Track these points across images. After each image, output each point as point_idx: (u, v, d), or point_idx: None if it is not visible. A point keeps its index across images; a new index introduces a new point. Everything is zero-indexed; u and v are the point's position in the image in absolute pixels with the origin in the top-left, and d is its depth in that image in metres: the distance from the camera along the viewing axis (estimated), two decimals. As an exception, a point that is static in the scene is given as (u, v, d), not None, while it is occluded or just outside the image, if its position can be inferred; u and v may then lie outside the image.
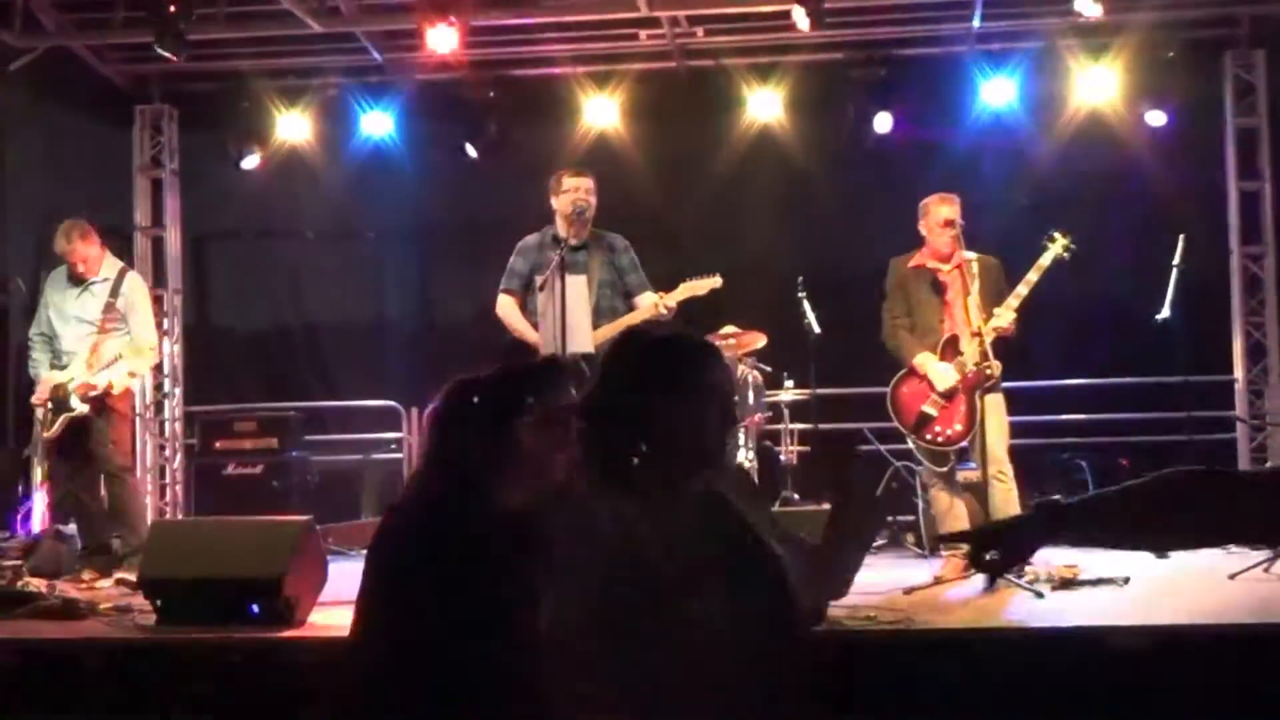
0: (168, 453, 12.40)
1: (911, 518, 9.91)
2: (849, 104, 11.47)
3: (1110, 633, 5.83)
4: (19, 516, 10.77)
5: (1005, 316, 7.65)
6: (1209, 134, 11.34)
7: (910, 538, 9.79)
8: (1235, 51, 11.30)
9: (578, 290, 7.75)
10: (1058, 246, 7.82)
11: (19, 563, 8.69)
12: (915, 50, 11.57)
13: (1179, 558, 7.45)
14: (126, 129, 12.53)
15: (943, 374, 7.76)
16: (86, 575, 8.46)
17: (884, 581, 7.53)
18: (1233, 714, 5.14)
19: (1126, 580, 7.16)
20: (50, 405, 8.73)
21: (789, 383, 9.98)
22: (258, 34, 11.53)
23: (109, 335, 8.80)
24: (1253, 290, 11.18)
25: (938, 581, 7.38)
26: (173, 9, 10.00)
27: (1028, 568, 7.30)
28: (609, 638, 2.89)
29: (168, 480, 12.35)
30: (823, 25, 10.16)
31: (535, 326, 7.98)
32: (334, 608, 6.73)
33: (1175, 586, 7.17)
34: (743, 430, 9.33)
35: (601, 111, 11.85)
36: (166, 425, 12.43)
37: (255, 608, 6.25)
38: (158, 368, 12.20)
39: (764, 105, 11.65)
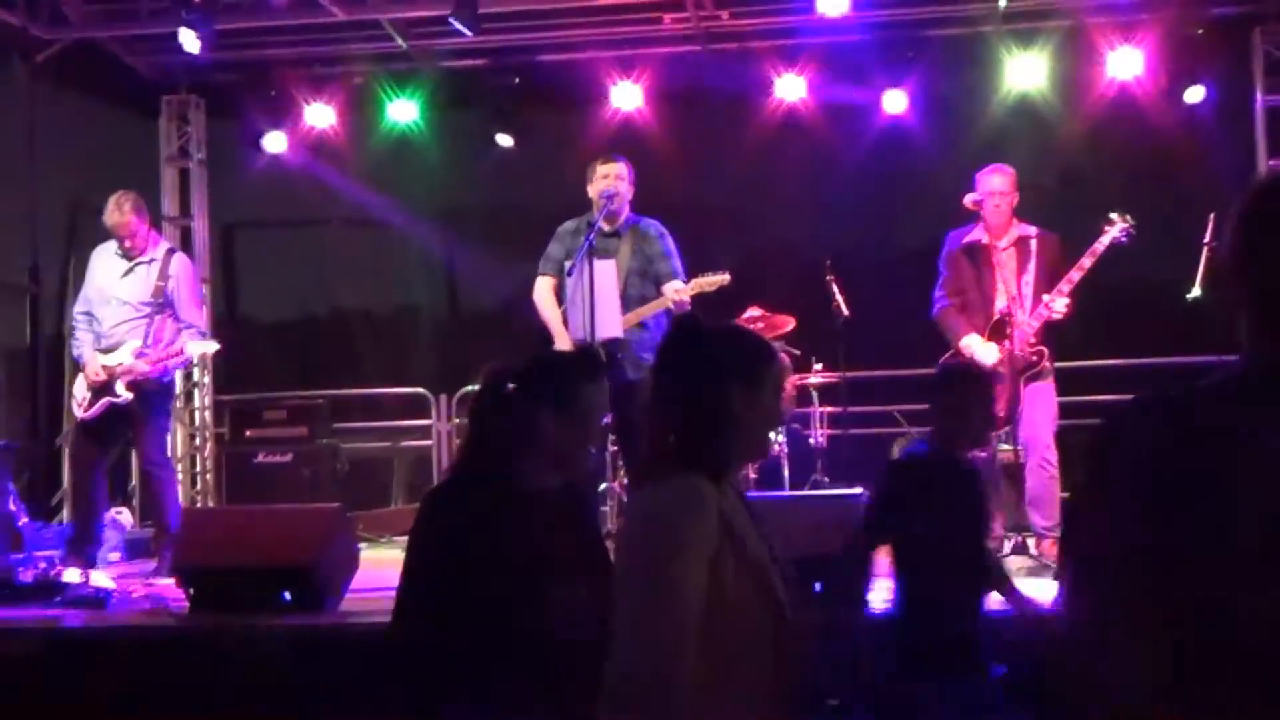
0: (198, 441, 12.45)
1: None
2: (876, 86, 11.43)
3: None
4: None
5: (1058, 303, 7.48)
6: (1238, 111, 11.26)
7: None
8: (1265, 27, 11.21)
9: (606, 275, 7.74)
10: (1115, 230, 7.62)
11: (54, 551, 8.73)
12: (942, 31, 11.51)
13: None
14: (153, 119, 12.57)
15: (986, 354, 7.61)
16: (69, 575, 7.85)
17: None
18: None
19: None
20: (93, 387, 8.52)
21: (818, 365, 9.95)
22: (283, 22, 11.53)
23: (159, 320, 8.63)
24: (1284, 268, 11.08)
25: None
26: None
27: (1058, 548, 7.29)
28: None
29: (198, 469, 12.39)
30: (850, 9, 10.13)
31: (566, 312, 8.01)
32: (365, 594, 6.76)
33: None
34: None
35: (627, 96, 11.82)
36: (197, 414, 12.48)
37: (287, 595, 6.27)
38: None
39: (790, 87, 11.61)
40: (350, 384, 12.24)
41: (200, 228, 12.58)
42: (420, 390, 12.05)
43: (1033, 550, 7.24)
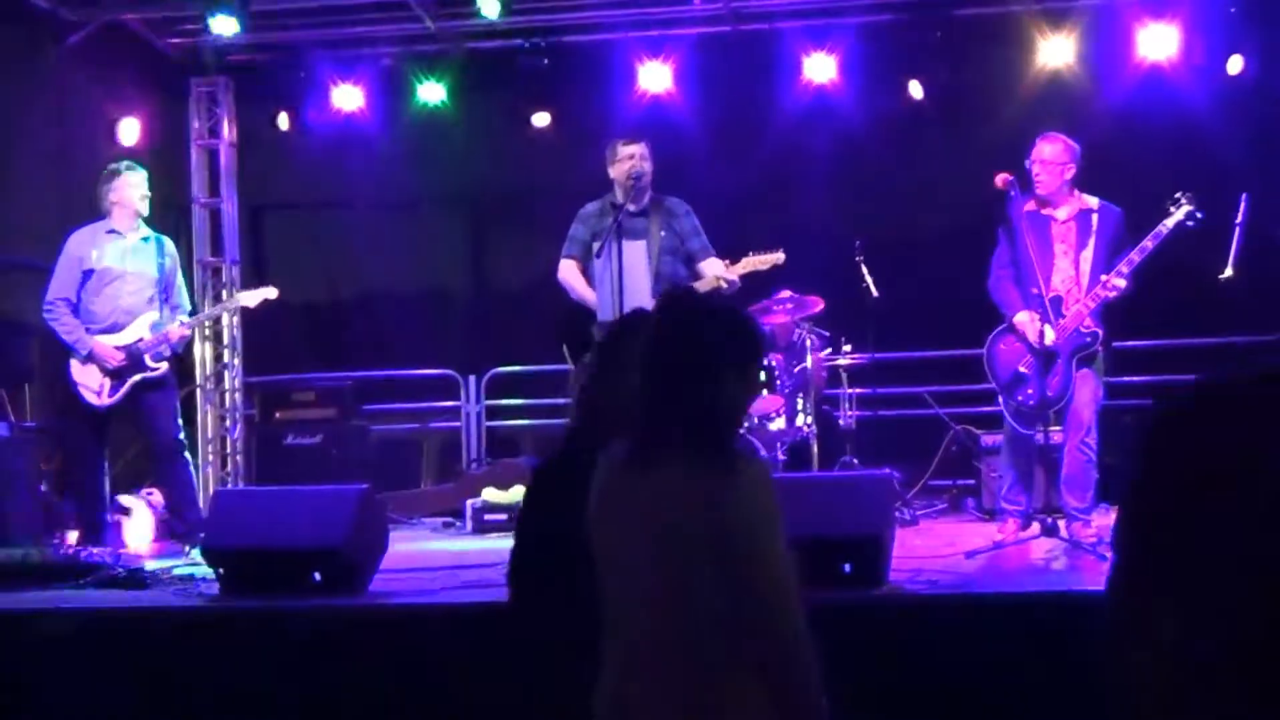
0: (228, 423, 12.48)
1: (971, 482, 9.88)
2: (905, 66, 11.38)
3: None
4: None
5: (1115, 283, 7.32)
6: (1272, 89, 11.17)
7: (971, 501, 9.75)
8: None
9: (636, 256, 7.73)
10: (1181, 213, 7.35)
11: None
12: (972, 10, 11.44)
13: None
14: (182, 101, 12.58)
15: (1040, 334, 7.31)
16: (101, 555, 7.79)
17: (945, 545, 7.51)
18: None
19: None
20: (112, 371, 8.34)
21: (847, 347, 9.93)
22: (311, 4, 11.54)
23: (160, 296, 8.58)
24: (1318, 248, 11.02)
25: (999, 545, 7.31)
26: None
27: (1090, 530, 7.25)
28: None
29: (228, 450, 12.43)
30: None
31: (594, 294, 8.01)
32: (394, 575, 6.78)
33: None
34: (801, 395, 9.29)
35: (655, 77, 11.79)
36: (226, 396, 12.51)
37: (317, 576, 6.28)
38: (218, 338, 12.30)
39: (819, 68, 11.57)
40: (379, 366, 12.25)
41: (229, 209, 12.59)
42: (449, 372, 12.06)
43: (1063, 532, 7.20)
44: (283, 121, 12.19)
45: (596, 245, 7.80)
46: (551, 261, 8.35)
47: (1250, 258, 8.15)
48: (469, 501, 9.64)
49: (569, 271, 8.18)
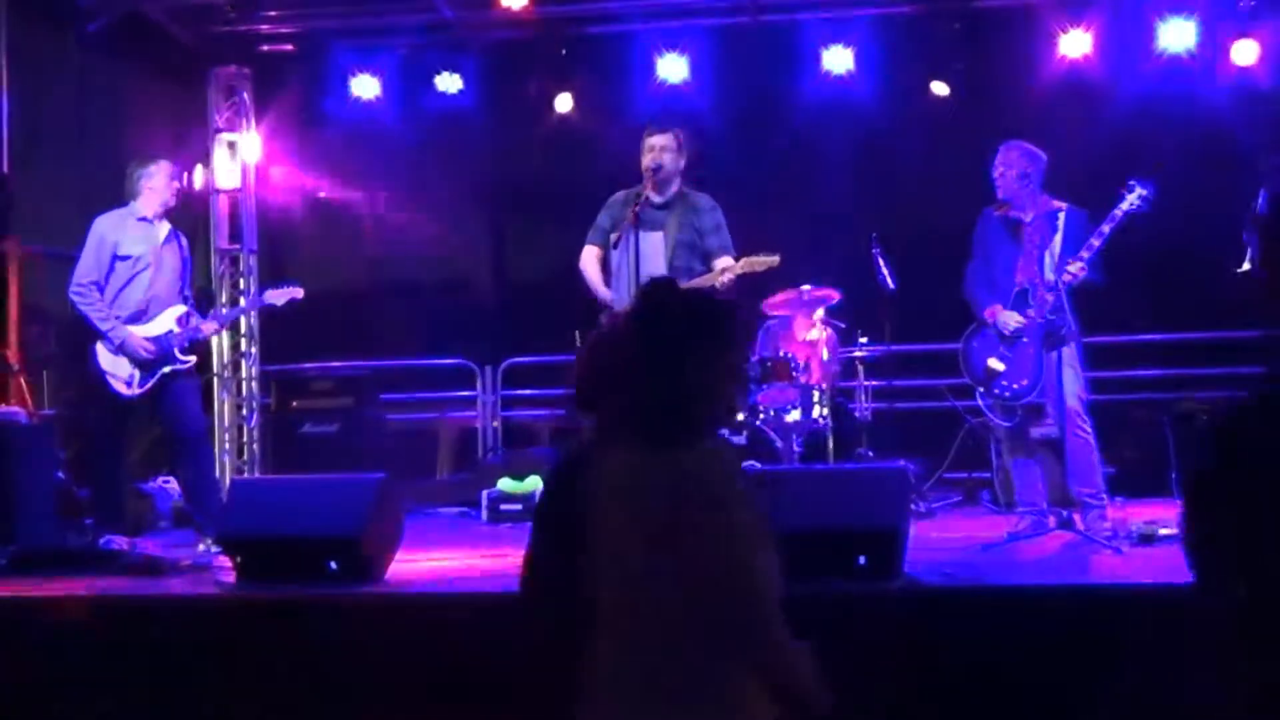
0: (244, 412, 12.52)
1: (987, 474, 9.87)
2: (924, 58, 11.37)
3: (1192, 590, 5.76)
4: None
5: (1073, 266, 7.44)
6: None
7: (986, 494, 9.75)
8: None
9: (652, 246, 7.73)
10: (1133, 196, 7.52)
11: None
12: (991, 2, 11.43)
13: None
14: (202, 91, 12.61)
15: (1006, 321, 7.57)
16: (118, 543, 7.91)
17: (960, 538, 7.51)
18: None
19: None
20: (141, 362, 8.27)
21: (864, 339, 9.92)
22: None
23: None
24: (1336, 241, 10.96)
25: (1013, 538, 7.32)
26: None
27: (1106, 523, 7.27)
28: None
29: (245, 439, 12.47)
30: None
31: (608, 283, 8.01)
32: (411, 564, 6.80)
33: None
34: (817, 388, 9.29)
35: (673, 68, 11.78)
36: (243, 385, 12.55)
37: (334, 565, 6.30)
38: (235, 327, 12.32)
39: (837, 60, 11.55)
40: (396, 355, 12.27)
41: (248, 198, 12.63)
42: (466, 362, 12.08)
43: (1079, 525, 7.21)
44: (306, 118, 12.24)
45: (615, 235, 7.81)
46: (568, 252, 8.36)
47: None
48: (485, 491, 9.65)
49: (588, 260, 8.19)
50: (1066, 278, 7.42)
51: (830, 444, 9.46)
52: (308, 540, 6.39)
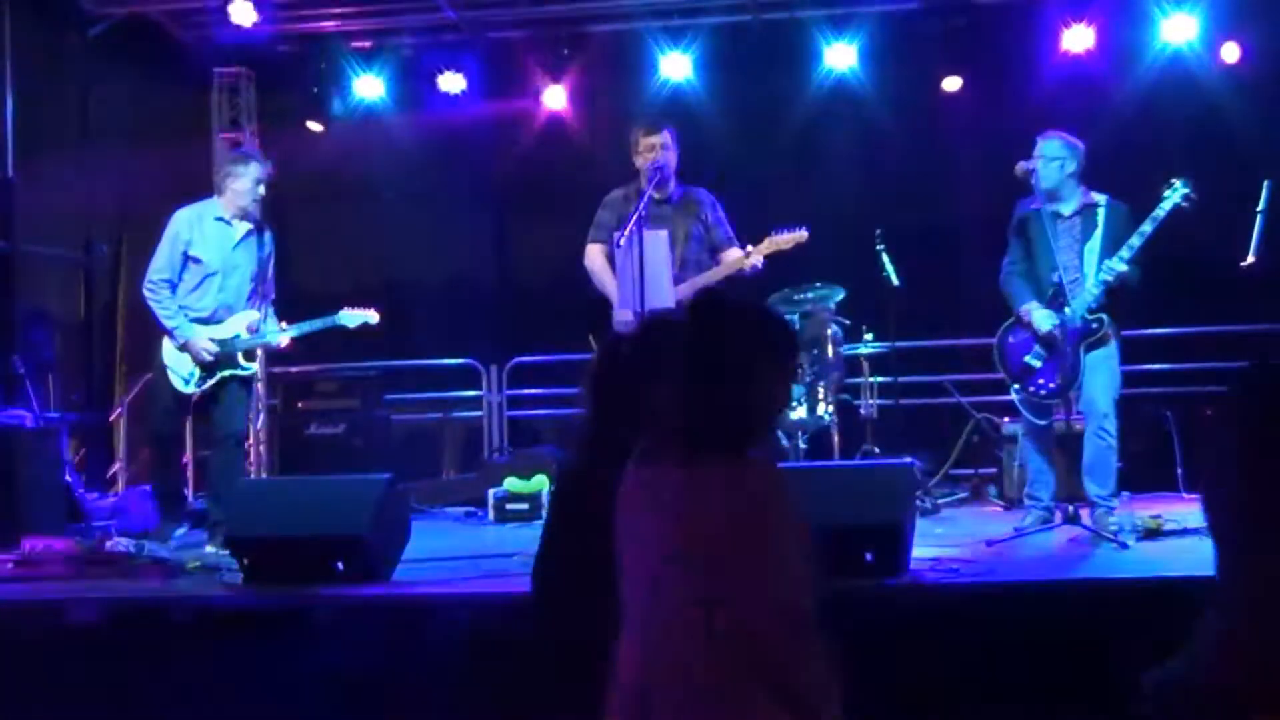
0: (250, 413, 12.51)
1: (993, 470, 9.87)
2: (926, 54, 11.37)
3: (1196, 584, 5.77)
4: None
5: (1116, 267, 7.34)
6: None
7: (992, 490, 9.74)
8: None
9: (658, 245, 7.71)
10: (1176, 195, 7.34)
11: (109, 522, 8.81)
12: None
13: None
14: (205, 92, 12.62)
15: (1043, 319, 7.45)
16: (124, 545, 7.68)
17: (966, 533, 7.51)
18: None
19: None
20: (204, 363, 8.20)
21: (868, 336, 9.92)
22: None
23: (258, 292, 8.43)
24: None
25: (1019, 533, 7.31)
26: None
27: (1112, 518, 7.25)
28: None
29: (251, 441, 12.45)
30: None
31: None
32: (417, 564, 6.80)
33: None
34: (822, 385, 9.29)
35: (676, 66, 11.79)
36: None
37: (340, 565, 6.30)
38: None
39: (840, 57, 11.55)
40: (401, 355, 12.27)
41: (252, 200, 12.63)
42: (471, 361, 12.08)
43: (1085, 521, 7.19)
44: (314, 125, 12.25)
45: (618, 235, 7.79)
46: (573, 251, 8.35)
47: (1272, 244, 8.12)
48: (491, 491, 9.65)
49: (595, 258, 8.18)
50: (1107, 277, 7.32)
51: (835, 441, 9.47)
52: (314, 541, 6.39)
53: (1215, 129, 10.87)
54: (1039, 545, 7.10)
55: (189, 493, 10.77)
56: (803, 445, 9.28)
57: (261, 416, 12.32)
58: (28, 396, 9.36)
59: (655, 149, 7.96)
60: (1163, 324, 10.67)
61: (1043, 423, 7.62)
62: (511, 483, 9.55)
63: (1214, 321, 10.51)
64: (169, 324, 8.14)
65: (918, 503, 7.81)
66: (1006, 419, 9.67)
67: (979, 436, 10.16)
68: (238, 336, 8.24)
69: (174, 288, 8.20)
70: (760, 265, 7.94)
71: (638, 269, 7.46)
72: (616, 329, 7.42)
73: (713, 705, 2.99)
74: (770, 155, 11.75)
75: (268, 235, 8.48)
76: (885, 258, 9.48)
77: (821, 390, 9.21)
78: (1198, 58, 10.99)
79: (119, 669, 5.88)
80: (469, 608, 5.93)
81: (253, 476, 11.73)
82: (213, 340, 8.16)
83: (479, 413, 12.07)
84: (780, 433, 9.12)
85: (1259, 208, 8.70)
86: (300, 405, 11.12)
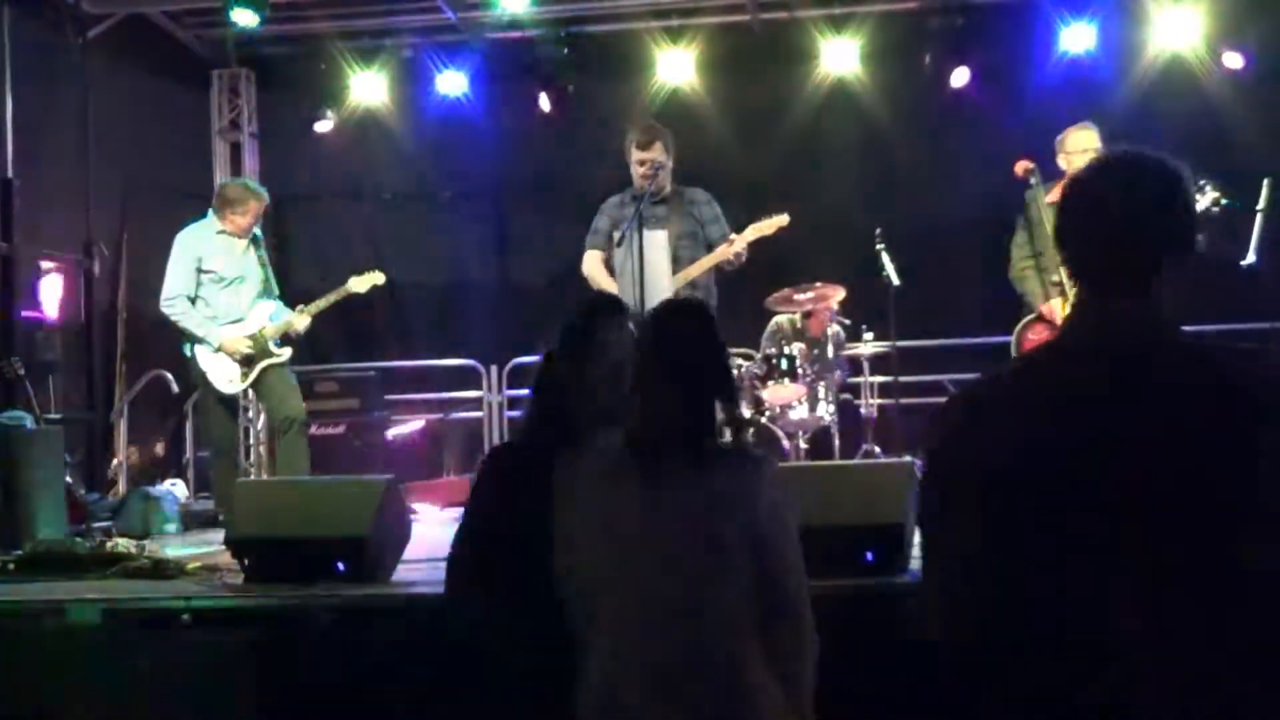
0: (250, 414, 12.52)
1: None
2: (926, 54, 11.38)
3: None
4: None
5: None
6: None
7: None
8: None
9: (656, 245, 7.71)
10: (1206, 200, 7.30)
11: (109, 523, 8.82)
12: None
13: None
14: (204, 93, 12.63)
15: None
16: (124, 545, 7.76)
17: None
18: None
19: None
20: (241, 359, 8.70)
21: (868, 335, 9.92)
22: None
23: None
24: (1339, 234, 10.96)
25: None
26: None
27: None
28: None
29: (251, 441, 12.46)
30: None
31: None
32: (417, 565, 6.80)
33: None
34: (822, 384, 9.29)
35: (675, 66, 11.79)
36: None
37: (341, 566, 6.30)
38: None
39: (839, 57, 11.56)
40: (401, 356, 12.28)
41: (251, 201, 12.64)
42: (471, 362, 12.08)
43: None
44: (322, 125, 12.27)
45: (617, 235, 7.79)
46: (572, 252, 8.36)
47: (1272, 244, 8.13)
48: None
49: (592, 264, 8.18)
50: None
51: (835, 441, 9.47)
52: (315, 542, 6.39)
53: (1214, 128, 10.88)
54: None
55: (189, 494, 10.81)
56: (803, 445, 9.28)
57: (262, 417, 12.32)
58: (28, 397, 9.36)
59: (647, 164, 7.94)
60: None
61: None
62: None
63: (1213, 320, 10.50)
64: (199, 332, 8.63)
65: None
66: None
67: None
68: (264, 327, 8.76)
69: (192, 301, 8.64)
70: (744, 255, 7.93)
71: (637, 270, 7.46)
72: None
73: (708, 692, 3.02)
74: (770, 155, 11.76)
75: (259, 238, 9.04)
76: (885, 257, 9.47)
77: (822, 390, 9.21)
78: (1197, 57, 10.99)
79: (120, 668, 5.88)
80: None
81: (253, 477, 11.75)
82: (244, 336, 8.68)
83: (479, 413, 12.07)
84: (780, 431, 9.13)
85: (1258, 207, 8.71)
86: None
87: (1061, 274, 7.31)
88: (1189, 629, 2.09)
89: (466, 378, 12.13)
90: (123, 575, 6.90)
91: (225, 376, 8.71)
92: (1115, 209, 2.41)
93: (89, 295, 11.08)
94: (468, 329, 12.53)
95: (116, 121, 11.48)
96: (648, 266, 7.49)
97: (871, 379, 10.15)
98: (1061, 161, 7.78)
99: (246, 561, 6.54)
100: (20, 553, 7.23)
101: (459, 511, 10.11)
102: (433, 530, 8.80)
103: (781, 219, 8.01)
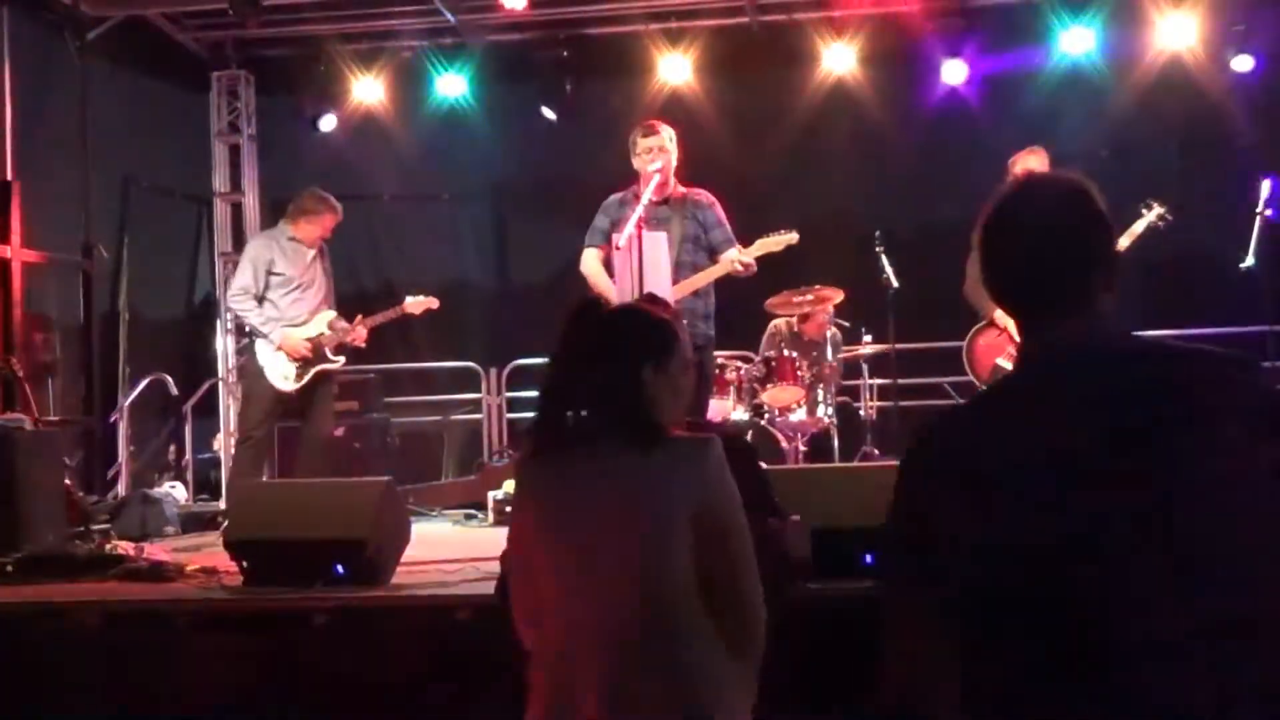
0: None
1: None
2: (925, 56, 11.39)
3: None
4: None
5: None
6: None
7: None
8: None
9: (657, 246, 7.69)
10: (1152, 215, 7.65)
11: (108, 525, 8.81)
12: (992, 0, 11.44)
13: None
14: (204, 95, 12.63)
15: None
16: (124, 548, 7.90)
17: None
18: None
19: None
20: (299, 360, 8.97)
21: (867, 337, 9.92)
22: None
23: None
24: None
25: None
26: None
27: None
28: None
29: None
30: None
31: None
32: (416, 567, 6.80)
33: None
34: (821, 386, 9.29)
35: (675, 68, 11.80)
36: (249, 389, 12.55)
37: (340, 568, 6.30)
38: (240, 330, 12.34)
39: (838, 59, 11.56)
40: (401, 358, 12.28)
41: (251, 203, 12.64)
42: (470, 364, 12.07)
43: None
44: (326, 123, 12.29)
45: (617, 236, 7.77)
46: (572, 253, 8.34)
47: (1270, 246, 8.13)
48: (490, 493, 9.65)
49: (591, 263, 8.16)
50: None
51: (835, 443, 9.47)
52: (314, 543, 6.39)
53: (1213, 130, 10.88)
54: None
55: (189, 496, 10.81)
56: (802, 447, 9.28)
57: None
58: (27, 399, 9.36)
59: (653, 151, 7.92)
60: (1161, 324, 10.65)
61: None
62: (511, 485, 9.54)
63: (1212, 322, 10.51)
64: (264, 328, 8.98)
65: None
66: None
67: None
68: (323, 334, 9.06)
69: (259, 302, 8.99)
70: (754, 266, 7.92)
71: (637, 270, 7.45)
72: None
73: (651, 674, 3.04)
74: (769, 157, 11.76)
75: (325, 250, 9.38)
76: (884, 259, 9.48)
77: (821, 392, 9.22)
78: (1196, 59, 10.99)
79: (119, 671, 5.88)
80: (469, 609, 5.93)
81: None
82: (308, 339, 8.99)
83: (479, 415, 12.08)
84: (780, 434, 9.13)
85: (1258, 209, 8.72)
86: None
87: None
88: (1182, 631, 2.09)
89: (467, 379, 12.13)
90: (121, 577, 6.90)
91: (281, 374, 8.98)
92: (1031, 232, 2.43)
93: (89, 296, 11.07)
94: (467, 331, 12.53)
95: (116, 123, 11.47)
96: (648, 266, 7.48)
97: (870, 381, 10.15)
98: None
99: (245, 564, 6.54)
100: (19, 555, 7.22)
101: (459, 513, 10.11)
102: (432, 533, 8.82)
103: (791, 237, 7.97)
